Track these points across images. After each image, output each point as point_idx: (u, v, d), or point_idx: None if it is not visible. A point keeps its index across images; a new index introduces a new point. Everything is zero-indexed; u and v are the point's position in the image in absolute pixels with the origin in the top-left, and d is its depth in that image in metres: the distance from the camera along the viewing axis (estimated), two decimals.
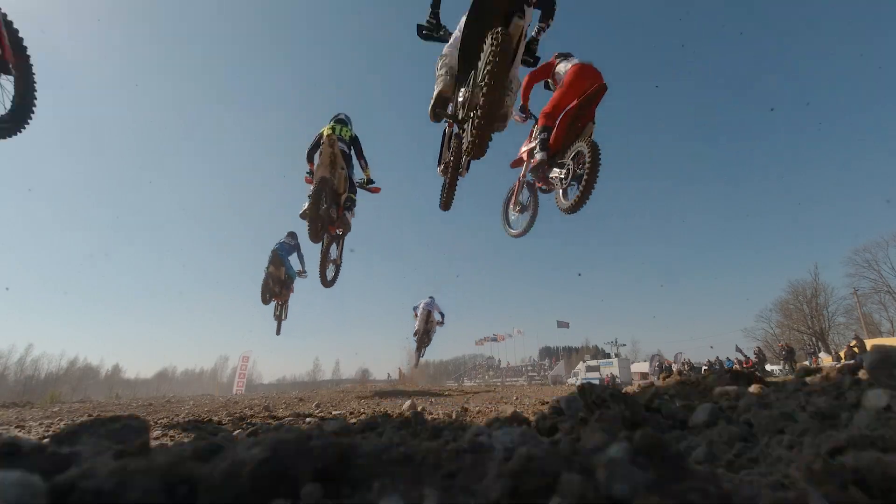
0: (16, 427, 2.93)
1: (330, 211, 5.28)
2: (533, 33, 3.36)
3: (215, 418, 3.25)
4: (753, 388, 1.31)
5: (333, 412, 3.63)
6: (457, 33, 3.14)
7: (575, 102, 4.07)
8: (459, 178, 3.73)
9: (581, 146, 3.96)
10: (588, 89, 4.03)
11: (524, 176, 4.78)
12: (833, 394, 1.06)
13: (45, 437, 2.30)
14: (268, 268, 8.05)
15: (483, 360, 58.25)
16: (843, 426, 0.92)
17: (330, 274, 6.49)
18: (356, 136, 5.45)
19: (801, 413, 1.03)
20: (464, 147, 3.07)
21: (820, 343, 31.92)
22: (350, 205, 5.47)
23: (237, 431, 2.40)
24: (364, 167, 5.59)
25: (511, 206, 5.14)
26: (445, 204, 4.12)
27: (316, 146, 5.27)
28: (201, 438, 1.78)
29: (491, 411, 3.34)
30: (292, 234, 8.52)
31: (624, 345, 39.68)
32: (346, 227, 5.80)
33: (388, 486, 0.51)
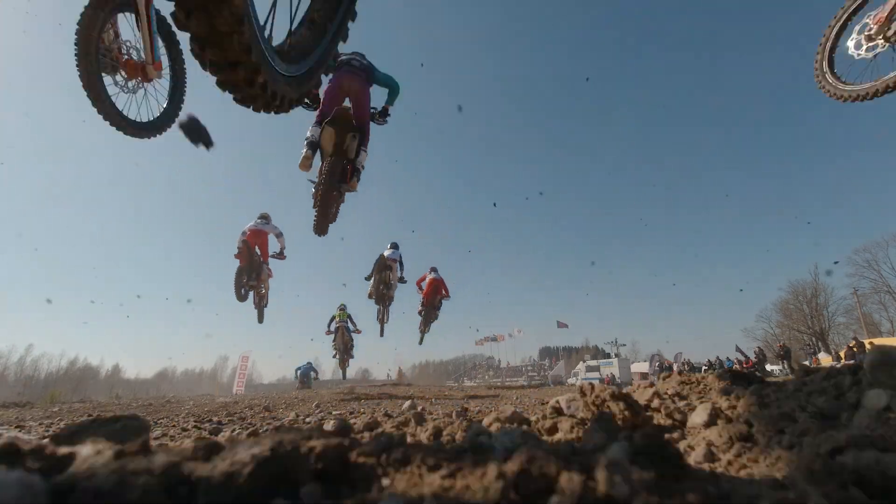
0: (16, 427, 2.93)
1: (345, 354, 12.03)
2: (399, 276, 9.69)
3: (215, 418, 3.25)
4: (753, 388, 1.31)
5: (333, 412, 3.64)
6: (371, 279, 9.65)
7: (427, 294, 10.30)
8: (387, 315, 10.72)
9: (427, 308, 10.52)
10: (431, 291, 10.26)
11: (420, 314, 11.10)
12: (833, 394, 1.06)
13: (45, 437, 2.30)
14: (297, 384, 14.67)
15: (483, 361, 58.19)
16: (843, 426, 0.92)
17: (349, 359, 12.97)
18: (350, 314, 11.84)
19: (801, 413, 1.03)
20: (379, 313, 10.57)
21: (820, 343, 31.91)
22: (351, 347, 12.05)
23: (237, 431, 2.40)
24: (354, 324, 11.91)
25: (420, 327, 11.24)
26: (381, 332, 11.06)
27: (331, 321, 11.66)
28: (201, 438, 1.78)
29: (491, 411, 3.34)
30: (310, 363, 15.47)
31: (624, 345, 39.66)
32: (351, 355, 12.38)
33: (387, 487, 0.51)
